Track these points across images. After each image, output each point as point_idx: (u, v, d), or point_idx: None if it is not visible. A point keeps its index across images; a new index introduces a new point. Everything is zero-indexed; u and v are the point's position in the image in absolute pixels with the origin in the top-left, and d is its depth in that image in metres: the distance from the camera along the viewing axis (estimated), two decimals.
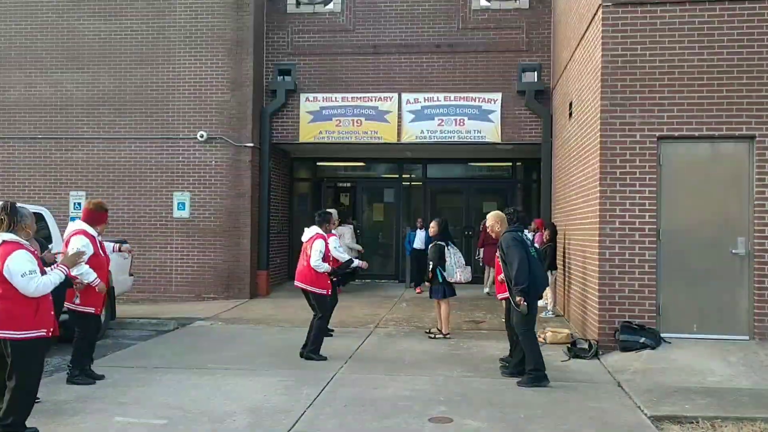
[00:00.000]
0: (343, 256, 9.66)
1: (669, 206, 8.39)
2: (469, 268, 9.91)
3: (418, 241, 14.93)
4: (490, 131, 14.17)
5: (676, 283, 8.35)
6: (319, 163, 17.24)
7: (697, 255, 8.33)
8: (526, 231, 14.12)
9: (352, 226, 14.70)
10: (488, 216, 8.10)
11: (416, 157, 16.41)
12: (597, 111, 8.62)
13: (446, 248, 9.60)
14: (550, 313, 11.74)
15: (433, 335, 9.63)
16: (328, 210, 9.36)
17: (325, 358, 8.11)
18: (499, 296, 8.05)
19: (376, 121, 14.47)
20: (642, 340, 8.07)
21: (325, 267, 8.22)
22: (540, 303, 13.02)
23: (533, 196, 16.00)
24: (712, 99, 8.27)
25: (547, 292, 11.81)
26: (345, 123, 14.55)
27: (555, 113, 13.38)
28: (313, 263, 8.21)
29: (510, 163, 16.45)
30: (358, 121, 14.51)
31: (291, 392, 6.63)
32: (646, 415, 5.97)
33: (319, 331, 8.25)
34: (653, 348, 8.00)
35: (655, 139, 8.38)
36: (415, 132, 14.40)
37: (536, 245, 12.94)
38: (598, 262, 8.42)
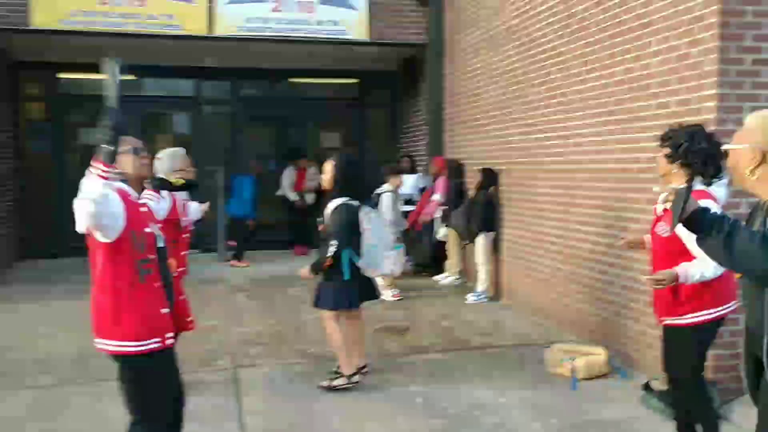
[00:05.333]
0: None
1: None
2: (401, 249, 5.28)
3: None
4: (354, 24, 9.41)
5: None
6: (61, 75, 10.94)
7: None
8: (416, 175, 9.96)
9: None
10: (751, 119, 2.41)
11: (223, 67, 11.02)
12: None
13: (360, 212, 4.93)
14: (484, 297, 7.69)
15: (329, 382, 4.92)
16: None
17: None
18: (673, 320, 3.54)
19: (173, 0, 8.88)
20: None
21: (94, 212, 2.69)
22: (446, 278, 8.68)
23: (402, 125, 11.62)
24: None
25: (479, 265, 7.74)
26: None
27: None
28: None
29: (358, 80, 11.82)
30: None
31: None
32: None
33: None
34: None
35: None
36: (236, 20, 9.10)
37: (438, 195, 8.92)
38: None
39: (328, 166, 5.04)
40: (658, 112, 4.96)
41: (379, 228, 5.02)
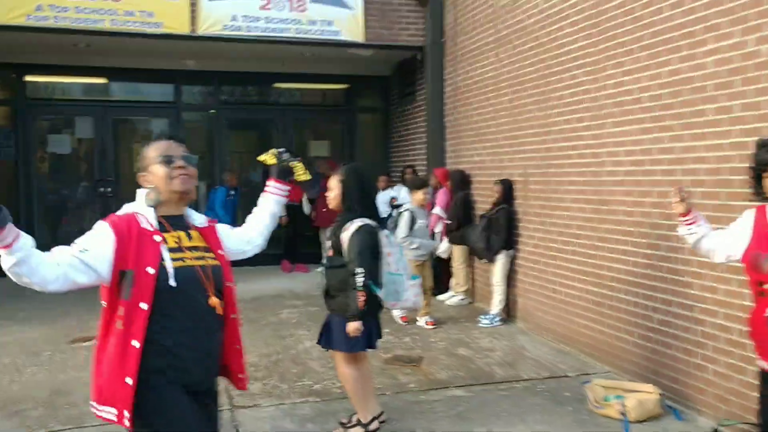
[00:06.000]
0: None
1: None
2: (418, 281, 4.55)
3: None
4: (348, 23, 8.77)
5: None
6: (29, 78, 10.10)
7: None
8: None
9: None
10: None
11: (205, 70, 10.29)
12: None
13: (380, 234, 4.18)
14: (498, 320, 7.06)
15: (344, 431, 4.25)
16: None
17: None
18: None
19: None
20: None
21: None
22: (452, 298, 8.01)
23: (396, 132, 10.95)
24: None
25: (496, 286, 7.12)
26: None
27: None
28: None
29: (348, 84, 11.16)
30: None
31: None
32: None
33: None
34: None
35: None
36: (222, 18, 8.40)
37: (439, 209, 8.28)
38: None
39: (334, 182, 4.32)
40: (717, 117, 4.39)
41: (400, 253, 4.32)
